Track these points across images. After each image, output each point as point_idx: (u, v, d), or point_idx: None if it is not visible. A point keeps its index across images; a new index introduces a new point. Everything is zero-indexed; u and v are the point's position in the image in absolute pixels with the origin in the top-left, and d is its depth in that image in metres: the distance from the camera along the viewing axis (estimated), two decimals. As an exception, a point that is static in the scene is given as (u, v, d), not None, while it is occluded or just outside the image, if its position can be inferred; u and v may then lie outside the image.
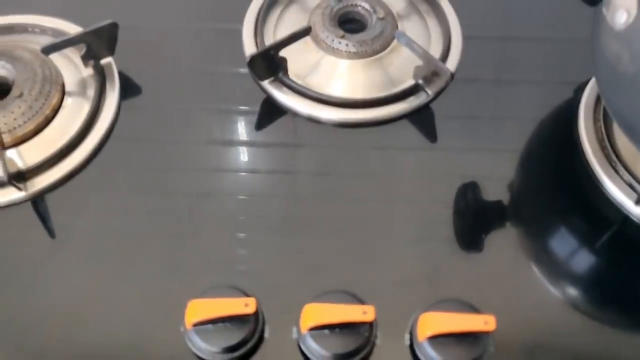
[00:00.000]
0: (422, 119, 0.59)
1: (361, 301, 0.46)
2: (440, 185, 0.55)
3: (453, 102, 0.60)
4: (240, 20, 0.65)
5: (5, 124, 0.55)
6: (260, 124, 0.59)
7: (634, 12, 0.44)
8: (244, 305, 0.44)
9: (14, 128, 0.55)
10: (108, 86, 0.60)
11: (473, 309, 0.46)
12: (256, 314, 0.45)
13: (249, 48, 0.62)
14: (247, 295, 0.46)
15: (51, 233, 0.53)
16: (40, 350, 0.48)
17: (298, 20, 0.64)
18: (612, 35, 0.46)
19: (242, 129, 0.59)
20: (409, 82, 0.59)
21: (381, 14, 0.62)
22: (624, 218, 0.54)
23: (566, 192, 0.54)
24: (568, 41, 0.65)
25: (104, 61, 0.61)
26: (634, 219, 0.53)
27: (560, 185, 0.54)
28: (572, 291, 0.52)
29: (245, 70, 0.58)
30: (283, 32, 0.63)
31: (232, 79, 0.62)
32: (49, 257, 0.52)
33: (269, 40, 0.63)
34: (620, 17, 0.44)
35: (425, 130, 0.59)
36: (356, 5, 0.63)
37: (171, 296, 0.48)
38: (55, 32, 0.63)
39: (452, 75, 0.56)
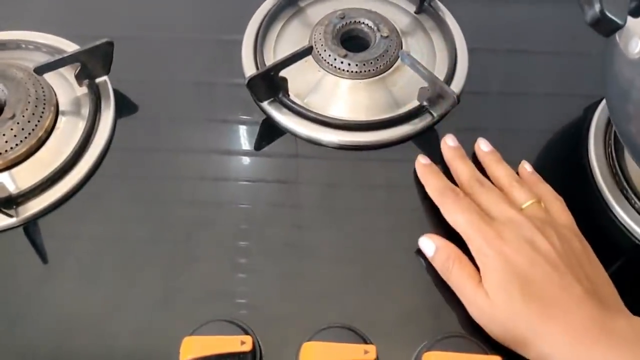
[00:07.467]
0: (427, 141, 0.58)
1: (363, 338, 0.44)
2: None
3: (459, 119, 0.58)
4: (240, 32, 0.63)
5: (-4, 147, 0.53)
6: (260, 145, 0.58)
7: (648, 40, 0.42)
8: (240, 344, 0.42)
9: (6, 151, 0.53)
10: (103, 105, 0.58)
11: (480, 348, 0.44)
12: (253, 351, 0.44)
13: (248, 66, 0.60)
14: (244, 330, 0.44)
15: (43, 258, 0.51)
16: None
17: (299, 36, 0.63)
18: (625, 63, 0.44)
19: (241, 142, 0.58)
20: (413, 103, 0.58)
21: (385, 32, 0.60)
22: (636, 246, 0.52)
23: (575, 217, 0.52)
24: (577, 55, 0.63)
25: (99, 79, 0.59)
26: (646, 248, 0.52)
27: (570, 209, 0.52)
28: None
29: (242, 80, 0.56)
30: (284, 48, 0.62)
31: (230, 90, 0.60)
32: (40, 283, 0.50)
33: (269, 56, 0.61)
34: (634, 45, 0.42)
35: (430, 152, 0.57)
36: (359, 22, 0.61)
37: (167, 328, 0.47)
38: (50, 48, 0.61)
39: (458, 98, 0.54)
